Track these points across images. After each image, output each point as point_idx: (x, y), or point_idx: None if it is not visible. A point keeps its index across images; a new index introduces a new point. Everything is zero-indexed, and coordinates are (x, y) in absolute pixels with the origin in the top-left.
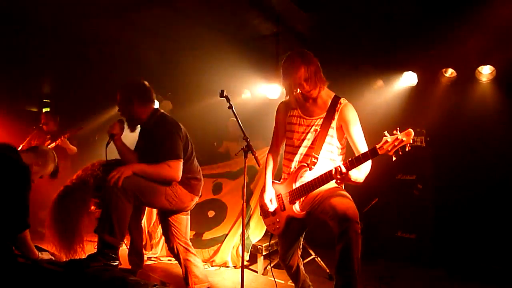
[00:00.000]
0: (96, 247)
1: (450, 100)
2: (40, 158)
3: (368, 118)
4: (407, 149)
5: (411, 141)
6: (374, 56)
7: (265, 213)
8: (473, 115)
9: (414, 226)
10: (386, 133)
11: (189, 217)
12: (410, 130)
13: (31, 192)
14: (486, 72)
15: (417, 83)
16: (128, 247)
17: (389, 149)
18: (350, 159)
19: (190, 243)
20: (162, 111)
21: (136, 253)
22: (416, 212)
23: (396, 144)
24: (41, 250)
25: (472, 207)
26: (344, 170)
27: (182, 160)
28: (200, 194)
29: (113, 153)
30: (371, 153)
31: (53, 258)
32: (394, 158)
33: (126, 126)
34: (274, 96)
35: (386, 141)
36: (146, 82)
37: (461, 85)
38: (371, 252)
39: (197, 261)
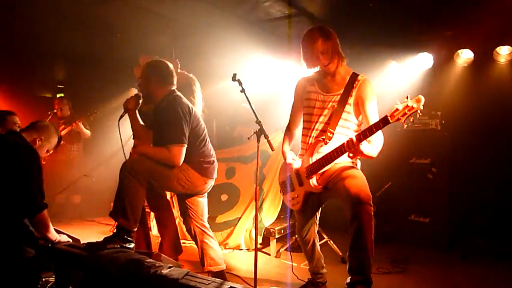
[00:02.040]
0: (112, 230)
1: (467, 82)
2: (42, 132)
3: (381, 100)
4: (417, 116)
5: (422, 108)
6: (388, 37)
7: (284, 189)
8: (490, 98)
9: (428, 210)
10: (397, 100)
11: (206, 199)
12: (420, 96)
13: (46, 176)
14: (504, 52)
15: (433, 64)
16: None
17: (400, 117)
18: (362, 130)
19: (208, 225)
20: (178, 94)
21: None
22: (430, 196)
23: (406, 111)
24: (59, 232)
25: (486, 191)
26: (355, 141)
27: (184, 145)
28: (214, 177)
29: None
30: (382, 122)
31: (71, 240)
32: (405, 126)
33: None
34: (286, 79)
35: (397, 109)
36: (168, 64)
37: (478, 67)
38: (384, 235)
39: (214, 244)
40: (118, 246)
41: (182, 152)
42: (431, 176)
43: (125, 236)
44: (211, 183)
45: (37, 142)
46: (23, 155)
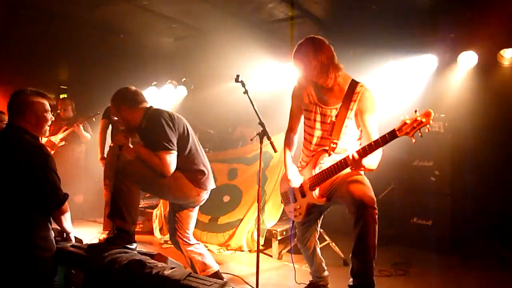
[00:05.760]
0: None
1: (470, 84)
2: (32, 110)
3: (385, 103)
4: (427, 131)
5: (431, 122)
6: (392, 39)
7: (286, 200)
8: (494, 100)
9: (430, 212)
10: (405, 114)
11: (196, 212)
12: (430, 110)
13: (64, 179)
14: (508, 55)
15: (437, 66)
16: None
17: (408, 131)
18: (367, 144)
19: (191, 236)
20: (153, 107)
21: None
22: (433, 198)
23: (415, 125)
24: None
25: (489, 194)
26: (357, 157)
27: (172, 152)
28: (209, 189)
29: None
30: (390, 136)
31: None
32: (413, 140)
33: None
34: (289, 81)
35: (405, 123)
36: (130, 87)
37: (482, 69)
38: (386, 238)
39: (199, 248)
40: (121, 247)
41: (172, 159)
42: (434, 178)
43: (127, 237)
44: (204, 195)
45: (34, 121)
46: (30, 151)
